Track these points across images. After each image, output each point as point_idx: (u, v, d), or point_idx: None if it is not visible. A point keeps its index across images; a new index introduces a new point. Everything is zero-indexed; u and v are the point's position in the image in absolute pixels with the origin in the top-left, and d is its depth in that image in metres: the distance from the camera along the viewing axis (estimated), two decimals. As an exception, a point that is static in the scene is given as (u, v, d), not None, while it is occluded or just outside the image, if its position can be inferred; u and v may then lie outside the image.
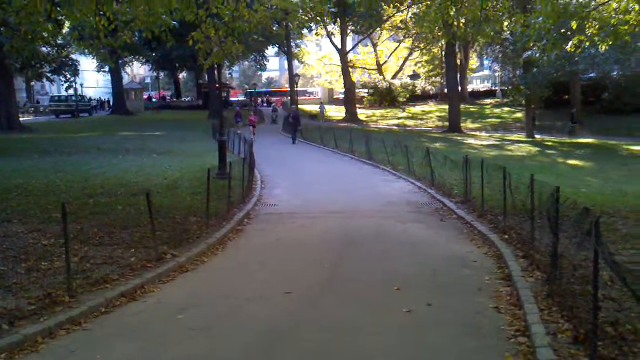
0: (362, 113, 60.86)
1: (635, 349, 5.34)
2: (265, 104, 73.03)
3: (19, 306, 6.90)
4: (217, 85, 51.67)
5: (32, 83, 71.12)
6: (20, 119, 43.18)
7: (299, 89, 61.28)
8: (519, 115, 50.34)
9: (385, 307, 7.39)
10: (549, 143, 37.30)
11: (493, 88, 70.48)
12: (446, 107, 49.71)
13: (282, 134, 42.11)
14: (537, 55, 28.07)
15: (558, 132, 42.95)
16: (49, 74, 53.14)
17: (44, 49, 43.13)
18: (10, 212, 12.42)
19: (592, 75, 44.43)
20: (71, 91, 55.56)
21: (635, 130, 39.25)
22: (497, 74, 61.31)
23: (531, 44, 26.70)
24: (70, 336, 6.50)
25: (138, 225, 11.27)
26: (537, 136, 40.82)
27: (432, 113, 59.27)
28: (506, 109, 56.60)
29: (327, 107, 65.52)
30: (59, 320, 6.67)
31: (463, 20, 24.66)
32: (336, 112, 63.64)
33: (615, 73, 43.46)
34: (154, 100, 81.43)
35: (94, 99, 73.21)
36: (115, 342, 6.34)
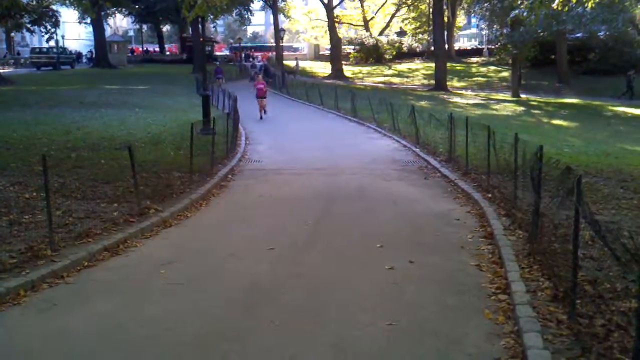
0: (348, 70, 60.31)
1: (612, 307, 5.43)
2: (250, 59, 71.94)
3: (0, 259, 6.87)
4: (201, 39, 50.72)
5: (12, 34, 69.42)
6: (0, 70, 42.31)
7: (284, 44, 60.44)
8: (505, 74, 50.23)
9: (368, 264, 7.44)
10: (534, 103, 37.35)
11: (480, 46, 70.00)
12: (432, 65, 49.38)
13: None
14: (525, 13, 27.85)
15: (544, 92, 42.97)
16: (29, 25, 51.92)
17: (23, -2, 42.01)
18: (-10, 165, 12.24)
19: (579, 35, 44.26)
20: (52, 43, 54.42)
21: (620, 92, 39.34)
22: (484, 32, 60.89)
23: (519, 2, 26.46)
24: (53, 289, 6.48)
25: (121, 180, 11.17)
26: (523, 95, 40.78)
27: (419, 71, 58.91)
28: (492, 67, 56.40)
29: (312, 63, 64.94)
30: (42, 273, 6.64)
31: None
32: (322, 69, 63.01)
33: (602, 33, 43.34)
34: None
35: (88, 52, 71.99)
36: (98, 295, 6.34)
